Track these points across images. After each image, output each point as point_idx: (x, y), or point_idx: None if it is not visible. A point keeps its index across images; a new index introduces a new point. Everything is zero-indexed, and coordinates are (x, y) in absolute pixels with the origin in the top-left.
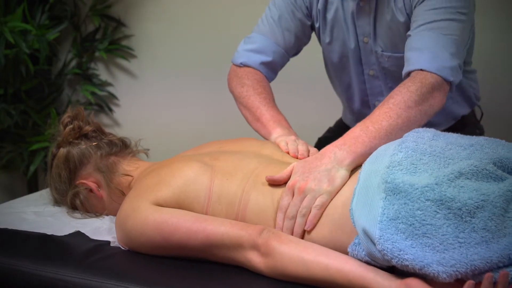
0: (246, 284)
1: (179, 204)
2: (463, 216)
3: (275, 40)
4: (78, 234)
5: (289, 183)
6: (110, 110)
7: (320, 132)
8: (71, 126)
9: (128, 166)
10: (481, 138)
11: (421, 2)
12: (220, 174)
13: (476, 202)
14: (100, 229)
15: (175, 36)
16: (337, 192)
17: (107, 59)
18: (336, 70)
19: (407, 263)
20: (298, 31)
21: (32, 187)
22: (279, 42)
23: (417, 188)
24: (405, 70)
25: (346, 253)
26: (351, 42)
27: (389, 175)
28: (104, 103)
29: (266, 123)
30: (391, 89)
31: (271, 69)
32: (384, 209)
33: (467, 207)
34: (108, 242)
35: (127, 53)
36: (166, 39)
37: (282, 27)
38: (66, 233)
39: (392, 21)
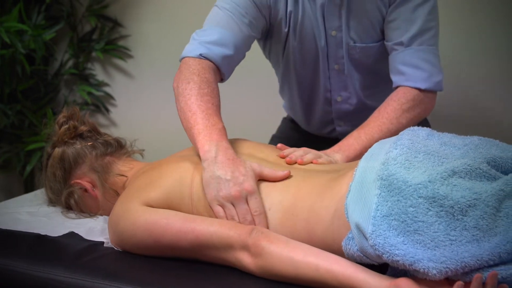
0: (237, 284)
1: (168, 205)
2: (455, 214)
3: (235, 33)
4: (72, 235)
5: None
6: (107, 110)
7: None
8: (66, 126)
9: (123, 167)
10: (475, 137)
11: (404, 4)
12: (199, 177)
13: (468, 201)
14: (94, 229)
15: (172, 36)
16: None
17: (104, 59)
18: (301, 69)
19: (398, 258)
20: (255, 28)
21: (29, 187)
22: (240, 36)
23: (411, 185)
24: (399, 83)
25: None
26: (321, 38)
27: (384, 171)
28: (100, 103)
29: (195, 135)
30: (358, 80)
31: (230, 66)
32: (378, 205)
33: (459, 205)
34: (102, 243)
35: (124, 53)
36: (163, 39)
37: (241, 21)
38: (60, 233)
39: (375, 10)
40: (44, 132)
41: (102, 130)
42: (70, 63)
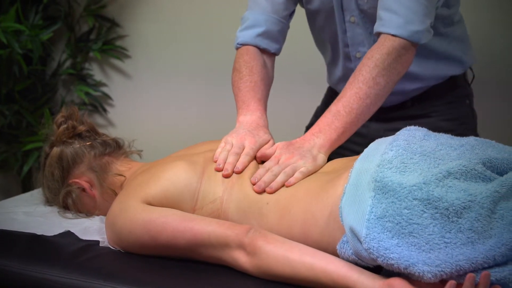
0: (233, 283)
1: (168, 202)
2: (450, 216)
3: (263, 11)
4: (67, 234)
5: (275, 154)
6: (104, 110)
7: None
8: (65, 125)
9: (121, 167)
10: (471, 138)
11: None
12: (207, 174)
13: (463, 203)
14: (90, 229)
15: (169, 36)
16: (317, 169)
17: (101, 59)
18: (320, 19)
19: (392, 262)
20: None
21: (26, 187)
22: (268, 10)
23: (405, 187)
24: (376, 29)
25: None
26: None
27: (379, 173)
28: (98, 104)
29: (237, 110)
30: (371, 34)
31: (270, 39)
32: (373, 207)
33: (454, 207)
34: (98, 242)
35: (121, 54)
36: (160, 39)
37: None
38: (56, 233)
39: None
40: (41, 132)
41: (100, 130)
42: (68, 63)
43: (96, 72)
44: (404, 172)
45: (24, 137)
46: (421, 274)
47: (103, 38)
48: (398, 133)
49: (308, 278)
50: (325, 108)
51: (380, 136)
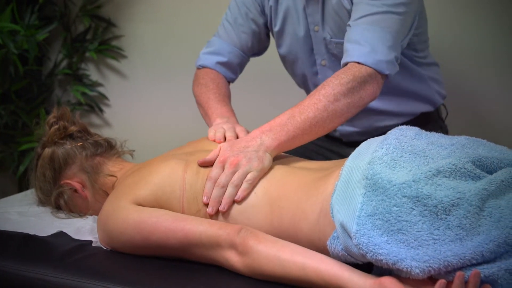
0: (225, 283)
1: (157, 201)
2: (438, 214)
3: (230, 42)
4: (60, 234)
5: (220, 158)
6: (101, 110)
7: None
8: (56, 126)
9: (113, 167)
10: (462, 137)
11: None
12: (191, 168)
13: (451, 200)
14: (83, 229)
15: (165, 36)
16: (264, 172)
17: (98, 59)
18: (291, 63)
19: (381, 257)
20: (253, 31)
21: (23, 187)
22: (235, 44)
23: (395, 185)
24: (343, 61)
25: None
26: (301, 32)
27: (369, 171)
28: (94, 104)
29: (210, 116)
30: None
31: (228, 68)
32: (363, 204)
33: (442, 205)
34: (90, 242)
35: (117, 54)
36: (156, 39)
37: (238, 29)
38: (49, 233)
39: (339, 7)
40: (36, 132)
41: (96, 130)
42: (64, 63)
43: (92, 72)
44: (394, 168)
45: (20, 137)
46: (409, 270)
47: (99, 38)
48: (389, 132)
49: (300, 278)
50: None
51: None
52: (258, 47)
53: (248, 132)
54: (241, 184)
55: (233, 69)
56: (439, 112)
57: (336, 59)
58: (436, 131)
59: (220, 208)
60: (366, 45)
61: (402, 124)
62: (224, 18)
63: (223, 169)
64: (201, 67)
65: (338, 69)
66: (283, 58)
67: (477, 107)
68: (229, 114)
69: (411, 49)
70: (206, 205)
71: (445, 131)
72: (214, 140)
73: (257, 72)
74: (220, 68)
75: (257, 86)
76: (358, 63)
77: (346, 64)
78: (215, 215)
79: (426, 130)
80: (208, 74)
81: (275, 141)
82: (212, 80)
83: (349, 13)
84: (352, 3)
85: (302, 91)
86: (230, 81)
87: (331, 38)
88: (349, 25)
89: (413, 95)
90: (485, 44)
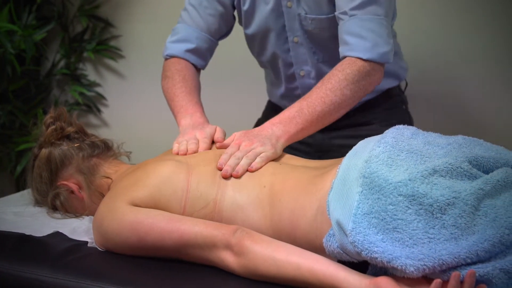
0: (221, 284)
1: (155, 203)
2: (434, 213)
3: (197, 27)
4: (56, 235)
5: (235, 141)
6: (99, 110)
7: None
8: (53, 126)
9: (109, 169)
10: (459, 137)
11: None
12: (197, 171)
13: (447, 199)
14: (79, 229)
15: (163, 36)
16: (276, 157)
17: (95, 59)
18: (259, 42)
19: (376, 255)
20: (220, 13)
21: (20, 187)
22: (202, 28)
23: (391, 183)
24: (344, 53)
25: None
26: (272, 8)
27: (366, 169)
28: (92, 104)
29: (176, 115)
30: (316, 54)
31: (198, 55)
32: (360, 203)
33: (438, 204)
34: (86, 242)
35: (115, 54)
36: (154, 39)
37: (203, 12)
38: (45, 233)
39: None
40: (34, 132)
41: (94, 130)
42: (62, 63)
43: (90, 72)
44: (391, 167)
45: (18, 137)
46: (403, 268)
47: (97, 38)
48: (387, 131)
49: (295, 278)
50: (266, 120)
51: (326, 145)
52: (226, 28)
53: (211, 131)
54: (255, 159)
55: (202, 55)
56: (399, 85)
57: (310, 35)
58: (397, 104)
59: (234, 173)
60: (368, 38)
61: (366, 102)
62: (187, 2)
63: (239, 149)
64: (169, 57)
65: (311, 45)
66: (252, 37)
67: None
68: (194, 110)
69: None
70: (220, 169)
71: (406, 103)
72: (178, 153)
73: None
74: (190, 56)
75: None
76: (362, 58)
77: (346, 56)
78: (219, 203)
79: (389, 104)
80: (175, 65)
81: (285, 133)
82: (179, 71)
83: None
84: None
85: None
86: (201, 68)
87: (306, 14)
88: (345, 14)
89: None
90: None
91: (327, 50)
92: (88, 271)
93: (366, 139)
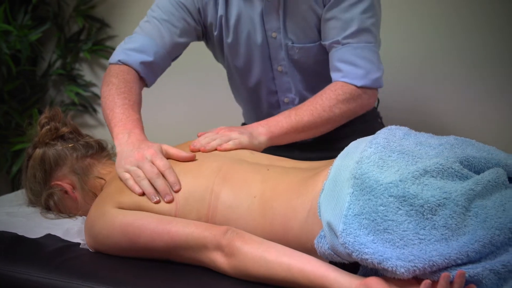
0: (212, 284)
1: (141, 209)
2: (424, 213)
3: (159, 42)
4: (48, 237)
5: (216, 130)
6: (95, 110)
7: None
8: (47, 127)
9: (103, 169)
10: (451, 137)
11: (338, 4)
12: (183, 173)
13: (438, 200)
14: (72, 230)
15: None
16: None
17: (91, 59)
18: (243, 72)
19: (366, 256)
20: (184, 34)
21: (16, 187)
22: (163, 44)
23: (382, 184)
24: (337, 79)
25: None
26: (257, 39)
27: (358, 170)
28: (88, 104)
29: (113, 127)
30: (301, 82)
31: (151, 71)
32: (350, 204)
33: (429, 205)
34: (78, 244)
35: (111, 54)
36: None
37: (168, 29)
38: (38, 233)
39: (308, 12)
40: (29, 132)
41: (90, 130)
42: (58, 63)
43: (86, 73)
44: (382, 168)
45: (13, 138)
46: (394, 269)
47: (93, 39)
48: (378, 132)
49: (286, 279)
50: None
51: (303, 159)
52: (181, 51)
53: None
54: (227, 142)
55: (155, 72)
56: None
57: (295, 64)
58: (375, 118)
59: (201, 148)
60: (361, 66)
61: None
62: (150, 15)
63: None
64: (120, 63)
65: (295, 74)
66: (236, 70)
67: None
68: (133, 126)
69: None
70: (192, 151)
71: (380, 117)
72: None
73: None
74: (144, 70)
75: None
76: (356, 85)
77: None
78: (211, 217)
79: (367, 117)
80: (124, 73)
81: (269, 132)
82: (126, 82)
83: (318, 17)
84: (324, 7)
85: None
86: (148, 84)
87: (293, 43)
88: (337, 42)
89: None
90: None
91: (311, 76)
92: (79, 272)
93: (358, 139)
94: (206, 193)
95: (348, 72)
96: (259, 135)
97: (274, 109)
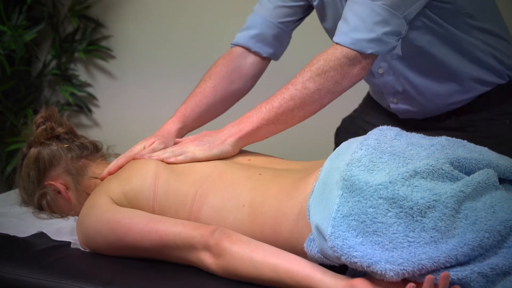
0: (200, 284)
1: (127, 198)
2: (414, 216)
3: (264, 14)
4: (39, 235)
5: (180, 143)
6: (90, 111)
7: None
8: (43, 126)
9: (97, 169)
10: (442, 138)
11: None
12: (167, 173)
13: (427, 202)
14: (63, 230)
15: (154, 36)
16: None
17: (86, 60)
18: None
19: (355, 260)
20: (292, 5)
21: (11, 187)
22: (270, 15)
23: (371, 186)
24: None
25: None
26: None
27: (347, 172)
28: (83, 104)
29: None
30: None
31: (263, 42)
32: (339, 206)
33: (418, 207)
34: (69, 243)
35: (106, 54)
36: (145, 39)
37: (275, 2)
38: (29, 233)
39: None
40: (24, 132)
41: (85, 130)
42: (53, 63)
43: (81, 73)
44: (372, 171)
45: (8, 138)
46: (383, 273)
47: (87, 39)
48: (369, 132)
49: (272, 279)
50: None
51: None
52: (293, 15)
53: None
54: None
55: (268, 42)
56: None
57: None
58: (502, 117)
59: (146, 156)
60: (350, 22)
61: (476, 98)
62: None
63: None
64: (233, 46)
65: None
66: (330, 32)
67: None
68: (168, 132)
69: (463, 15)
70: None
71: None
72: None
73: None
74: (254, 44)
75: None
76: (336, 43)
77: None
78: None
79: (492, 113)
80: (224, 57)
81: (238, 132)
82: (215, 66)
83: None
84: None
85: None
86: (268, 56)
87: None
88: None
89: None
90: None
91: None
92: (70, 272)
93: (349, 140)
94: (187, 198)
95: (337, 29)
96: (225, 140)
97: (372, 77)
